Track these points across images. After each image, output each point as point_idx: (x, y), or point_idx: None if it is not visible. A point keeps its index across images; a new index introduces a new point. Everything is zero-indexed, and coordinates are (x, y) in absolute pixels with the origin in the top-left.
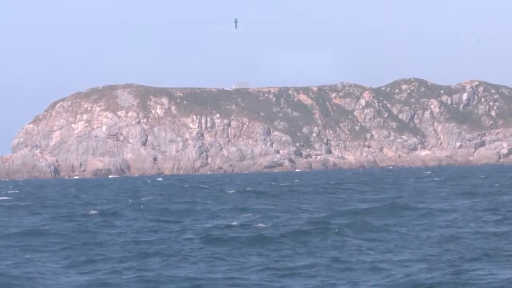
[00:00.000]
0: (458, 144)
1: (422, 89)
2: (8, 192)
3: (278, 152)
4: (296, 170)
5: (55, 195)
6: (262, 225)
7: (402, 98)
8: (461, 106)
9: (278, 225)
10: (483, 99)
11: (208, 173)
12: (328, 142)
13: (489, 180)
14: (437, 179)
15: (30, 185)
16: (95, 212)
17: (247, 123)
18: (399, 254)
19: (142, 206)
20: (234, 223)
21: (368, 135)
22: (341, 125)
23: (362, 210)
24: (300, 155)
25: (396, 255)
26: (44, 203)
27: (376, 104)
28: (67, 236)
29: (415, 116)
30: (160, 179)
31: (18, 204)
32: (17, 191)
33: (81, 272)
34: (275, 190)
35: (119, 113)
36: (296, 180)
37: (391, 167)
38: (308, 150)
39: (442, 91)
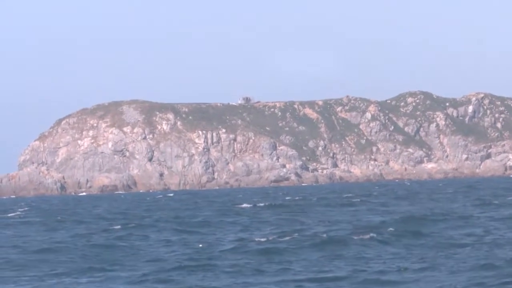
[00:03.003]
0: (464, 156)
1: (428, 102)
2: (22, 210)
3: (284, 166)
4: (303, 184)
5: (71, 211)
6: (282, 237)
7: (408, 111)
8: (466, 119)
9: (300, 237)
10: (488, 111)
11: (215, 188)
12: (334, 156)
13: (506, 190)
14: (450, 190)
15: (40, 202)
16: (118, 226)
17: (253, 138)
18: (422, 264)
19: (162, 220)
20: (255, 236)
21: (374, 149)
22: (347, 138)
23: (382, 222)
24: (306, 169)
25: (421, 265)
26: (64, 219)
27: (382, 117)
28: (90, 250)
29: (421, 129)
30: (171, 194)
31: (36, 220)
32: (27, 208)
33: (107, 284)
34: (290, 204)
35: (125, 129)
36: (308, 193)
37: (397, 180)
38: (314, 164)
39: (447, 104)
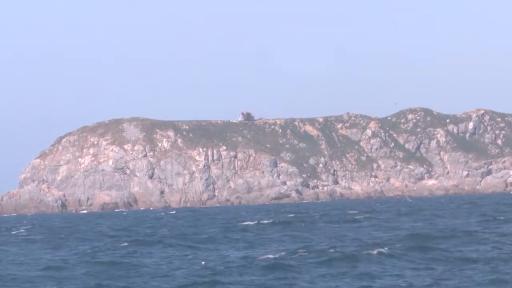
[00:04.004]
0: (465, 173)
1: (428, 118)
2: (25, 227)
3: (285, 183)
4: (303, 201)
5: (74, 228)
6: (288, 254)
7: (408, 128)
8: (467, 135)
9: (305, 253)
10: (489, 128)
11: (216, 205)
12: (335, 172)
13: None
14: (453, 207)
15: (42, 220)
16: (124, 244)
17: (254, 155)
18: (428, 280)
19: (167, 237)
20: (261, 253)
21: (374, 165)
22: (347, 155)
23: (388, 238)
24: (307, 186)
25: (427, 281)
26: (67, 237)
27: (382, 134)
28: (96, 268)
29: (422, 146)
30: (173, 211)
31: (39, 238)
32: (30, 226)
33: None
34: (294, 220)
35: (125, 146)
36: (310, 210)
37: (398, 197)
38: (315, 181)
39: (448, 120)
